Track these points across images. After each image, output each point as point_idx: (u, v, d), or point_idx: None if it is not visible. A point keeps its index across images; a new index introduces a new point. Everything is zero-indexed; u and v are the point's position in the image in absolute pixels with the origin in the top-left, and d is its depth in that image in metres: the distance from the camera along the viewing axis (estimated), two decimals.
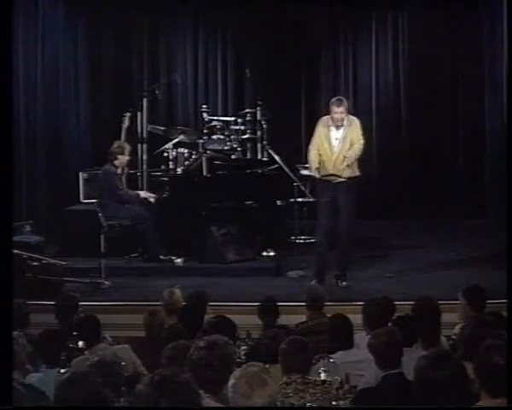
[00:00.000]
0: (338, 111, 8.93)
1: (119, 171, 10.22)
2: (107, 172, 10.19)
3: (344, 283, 9.06)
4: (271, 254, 10.20)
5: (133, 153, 10.69)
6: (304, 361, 4.91)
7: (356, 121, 9.11)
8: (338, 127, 8.97)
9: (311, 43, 13.12)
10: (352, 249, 9.29)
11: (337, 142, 8.96)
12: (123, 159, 10.20)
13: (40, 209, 11.57)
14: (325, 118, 9.10)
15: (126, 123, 11.01)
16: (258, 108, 11.41)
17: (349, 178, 8.98)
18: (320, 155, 9.01)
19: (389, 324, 5.76)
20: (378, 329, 5.26)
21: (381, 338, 4.98)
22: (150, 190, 10.68)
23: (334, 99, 9.20)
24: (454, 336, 5.87)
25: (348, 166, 8.93)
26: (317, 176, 9.07)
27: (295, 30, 12.86)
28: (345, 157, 8.92)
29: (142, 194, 10.43)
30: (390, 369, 4.87)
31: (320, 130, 9.06)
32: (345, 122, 8.99)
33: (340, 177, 8.95)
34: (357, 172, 9.05)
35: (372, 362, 5.22)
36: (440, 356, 3.86)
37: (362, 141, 9.04)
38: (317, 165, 9.02)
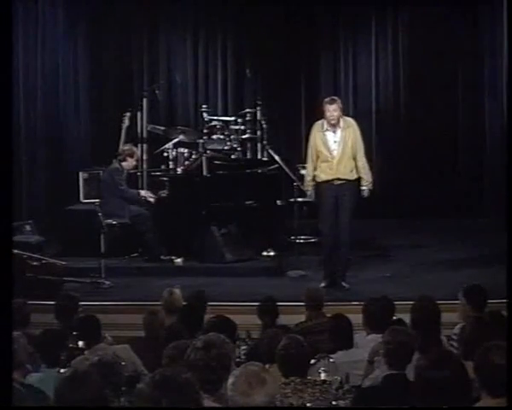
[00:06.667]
0: (331, 109, 8.75)
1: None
2: (112, 170, 10.26)
3: (344, 283, 8.93)
4: (271, 254, 10.19)
5: (138, 157, 10.79)
6: (301, 366, 4.90)
7: (354, 124, 8.96)
8: (335, 131, 8.80)
9: (311, 42, 13.12)
10: (350, 250, 9.19)
11: (336, 145, 8.79)
12: (131, 162, 10.35)
13: (40, 209, 11.57)
14: (319, 122, 8.91)
15: (126, 123, 11.02)
16: (258, 108, 11.40)
17: (352, 180, 8.89)
18: (319, 159, 8.85)
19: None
20: (394, 326, 5.22)
21: (397, 336, 4.92)
22: (150, 189, 10.69)
23: (327, 98, 9.03)
24: (454, 336, 5.87)
25: (351, 170, 8.83)
26: (311, 199, 9.08)
27: (295, 30, 12.87)
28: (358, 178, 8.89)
29: (143, 192, 10.47)
30: (396, 369, 4.83)
31: (315, 135, 8.87)
32: (341, 124, 8.83)
33: (343, 180, 8.83)
34: (355, 175, 8.93)
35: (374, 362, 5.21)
36: (440, 356, 3.86)
37: (362, 152, 8.94)
38: (311, 183, 8.95)
